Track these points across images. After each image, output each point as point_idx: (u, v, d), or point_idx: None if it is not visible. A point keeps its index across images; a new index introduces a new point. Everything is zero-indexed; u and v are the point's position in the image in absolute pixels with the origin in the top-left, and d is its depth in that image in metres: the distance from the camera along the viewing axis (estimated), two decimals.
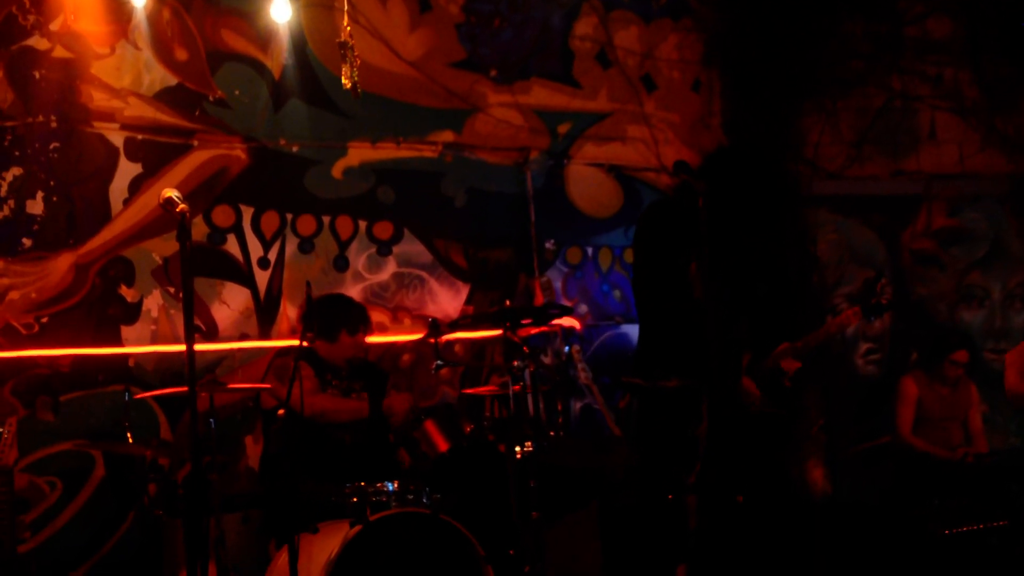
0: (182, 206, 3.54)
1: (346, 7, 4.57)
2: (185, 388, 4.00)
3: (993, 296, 7.92)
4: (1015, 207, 7.97)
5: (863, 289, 4.71)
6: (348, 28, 4.32)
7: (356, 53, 4.26)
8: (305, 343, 5.00)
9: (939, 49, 7.84)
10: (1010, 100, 7.81)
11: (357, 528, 4.62)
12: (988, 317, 7.89)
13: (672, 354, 4.42)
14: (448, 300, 6.78)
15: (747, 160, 4.63)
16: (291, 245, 6.42)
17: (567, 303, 6.95)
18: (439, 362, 5.36)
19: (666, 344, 4.47)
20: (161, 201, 3.61)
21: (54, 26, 5.89)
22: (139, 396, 5.31)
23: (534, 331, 6.81)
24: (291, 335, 6.23)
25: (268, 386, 5.32)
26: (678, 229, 4.47)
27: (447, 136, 6.85)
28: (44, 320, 5.80)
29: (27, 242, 5.81)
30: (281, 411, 4.49)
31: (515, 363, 5.16)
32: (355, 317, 5.61)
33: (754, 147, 7.18)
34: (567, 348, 6.94)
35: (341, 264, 6.55)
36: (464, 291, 6.84)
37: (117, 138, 6.03)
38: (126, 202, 6.03)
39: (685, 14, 7.57)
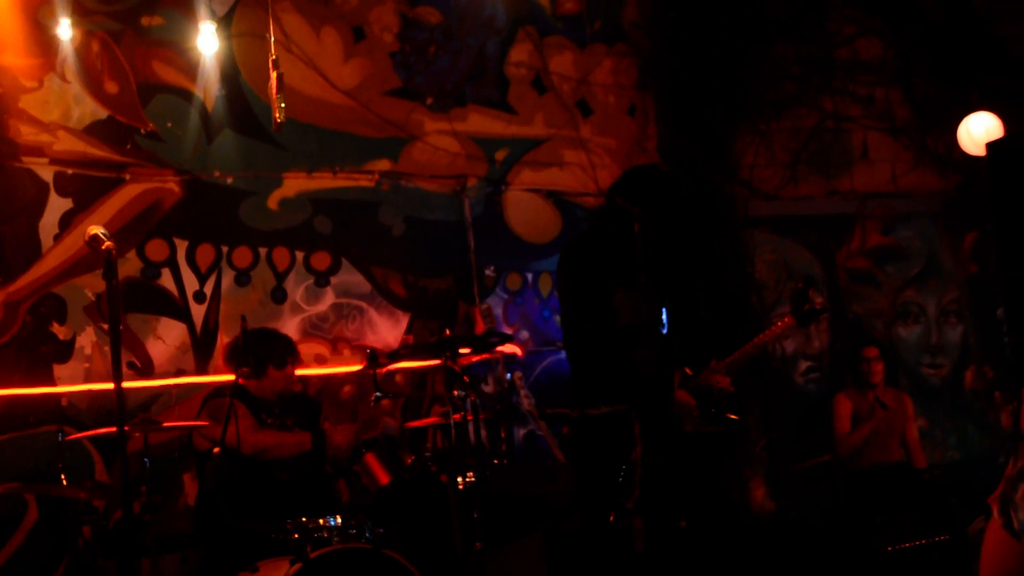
0: (108, 243, 3.48)
1: (272, 37, 4.53)
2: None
3: (928, 312, 8.04)
4: (947, 224, 8.10)
5: (792, 298, 4.72)
6: (274, 57, 4.29)
7: (276, 86, 4.22)
8: (241, 380, 4.94)
9: (870, 70, 7.96)
10: (940, 119, 7.93)
11: (298, 566, 4.54)
12: (924, 333, 8.01)
13: (599, 383, 4.37)
14: (388, 330, 6.73)
15: (675, 179, 4.61)
16: (227, 278, 6.34)
17: (508, 330, 6.93)
18: (379, 393, 5.30)
19: (593, 373, 4.43)
20: (87, 239, 3.55)
21: None
22: (72, 437, 5.15)
23: (475, 359, 6.78)
24: (226, 370, 6.15)
25: (204, 424, 5.23)
26: (604, 256, 4.43)
27: (384, 165, 6.82)
28: None
29: None
30: (216, 448, 4.42)
31: (456, 392, 5.12)
32: (280, 350, 5.51)
33: (681, 166, 7.21)
34: (509, 375, 6.91)
35: (279, 296, 6.48)
36: (404, 320, 6.79)
37: (47, 173, 5.93)
38: (57, 238, 5.92)
39: (619, 39, 7.62)
